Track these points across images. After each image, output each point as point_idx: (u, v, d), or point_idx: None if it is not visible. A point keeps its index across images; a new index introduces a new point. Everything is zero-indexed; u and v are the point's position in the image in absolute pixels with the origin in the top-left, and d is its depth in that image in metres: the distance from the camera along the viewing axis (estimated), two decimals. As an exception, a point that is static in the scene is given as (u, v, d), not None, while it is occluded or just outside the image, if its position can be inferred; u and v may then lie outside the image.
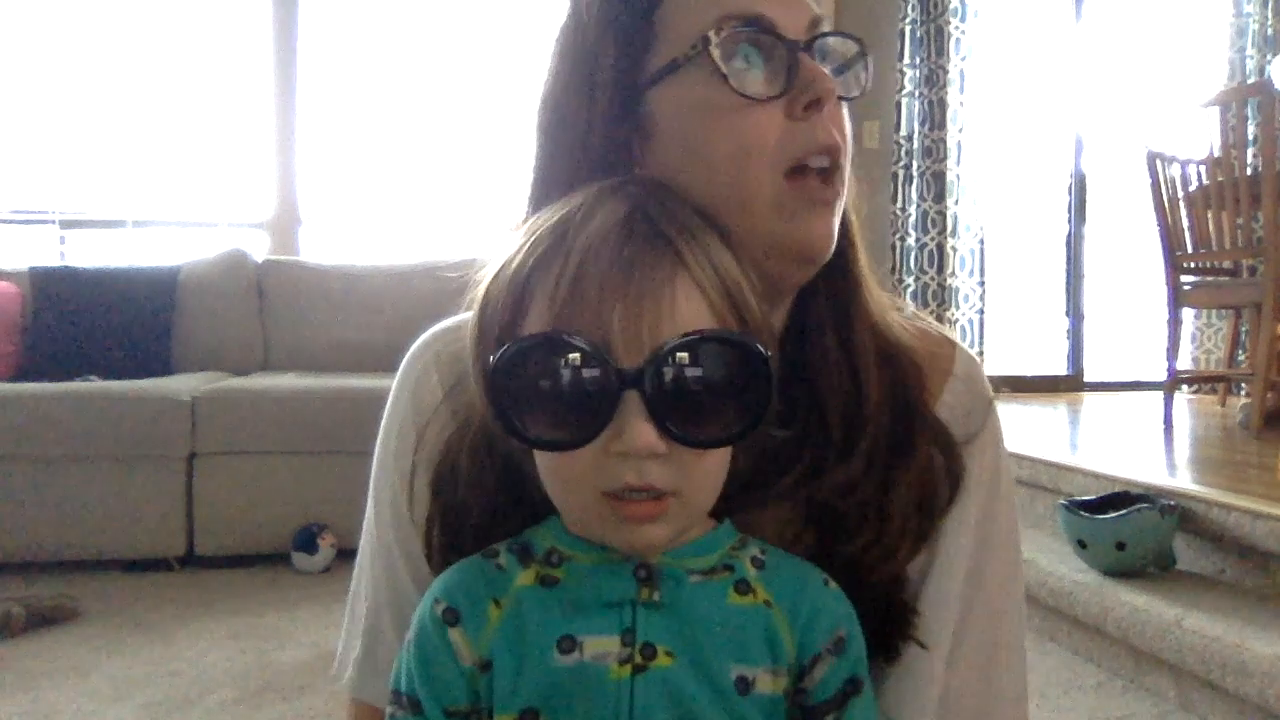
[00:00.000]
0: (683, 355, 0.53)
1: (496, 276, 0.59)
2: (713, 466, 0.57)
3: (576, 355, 0.53)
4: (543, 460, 0.58)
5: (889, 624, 0.67)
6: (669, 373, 0.53)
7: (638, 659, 0.55)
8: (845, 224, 0.69)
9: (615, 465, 0.53)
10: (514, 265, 0.58)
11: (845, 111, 0.67)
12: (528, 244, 0.58)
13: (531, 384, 0.54)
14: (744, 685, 0.56)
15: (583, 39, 0.68)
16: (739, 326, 0.57)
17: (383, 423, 0.75)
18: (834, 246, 0.66)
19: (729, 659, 0.56)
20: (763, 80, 0.63)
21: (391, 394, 0.74)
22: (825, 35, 0.66)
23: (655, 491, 0.54)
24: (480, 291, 0.60)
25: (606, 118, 0.66)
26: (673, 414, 0.53)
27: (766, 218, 0.63)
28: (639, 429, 0.52)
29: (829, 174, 0.64)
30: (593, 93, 0.67)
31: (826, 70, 0.65)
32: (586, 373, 0.53)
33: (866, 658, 0.61)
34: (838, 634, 0.59)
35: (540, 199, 0.68)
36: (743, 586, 0.59)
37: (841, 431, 0.67)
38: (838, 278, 0.69)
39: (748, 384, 0.55)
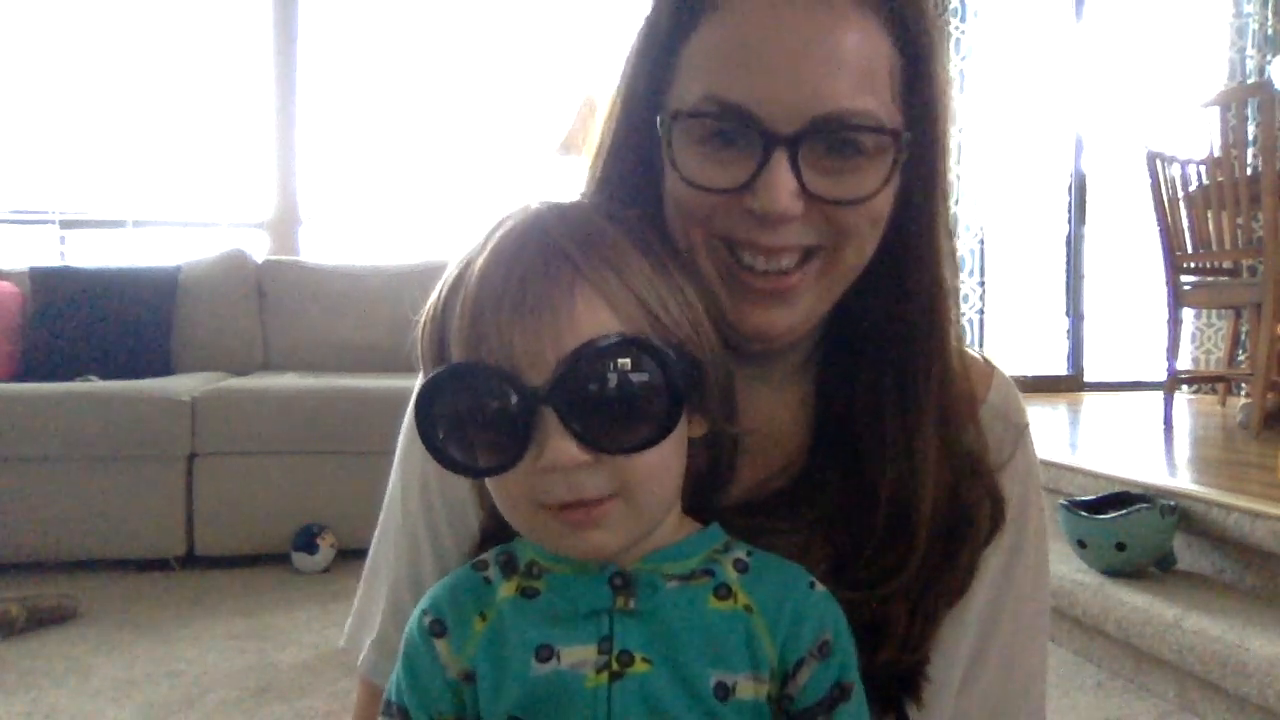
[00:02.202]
0: (589, 364, 0.52)
1: (424, 321, 0.60)
2: (652, 464, 0.55)
3: (485, 382, 0.53)
4: (487, 484, 0.58)
5: (897, 688, 0.65)
6: (577, 384, 0.52)
7: (614, 666, 0.55)
8: (913, 291, 0.65)
9: (546, 481, 0.54)
10: (430, 309, 0.59)
11: (863, 208, 0.61)
12: (439, 287, 0.59)
13: (451, 417, 0.55)
14: (724, 691, 0.56)
15: (631, 53, 0.67)
16: (648, 320, 0.56)
17: (410, 405, 0.75)
18: (787, 334, 0.63)
19: (708, 665, 0.56)
20: (722, 169, 0.60)
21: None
22: (837, 130, 0.58)
23: (591, 500, 0.54)
24: (416, 334, 0.61)
25: (633, 133, 0.66)
26: (589, 424, 0.53)
27: (715, 286, 0.62)
28: (558, 445, 0.52)
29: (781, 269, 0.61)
30: (625, 108, 0.66)
31: (820, 171, 0.59)
32: (499, 397, 0.53)
33: (857, 664, 0.60)
34: (822, 638, 0.58)
35: (591, 187, 0.68)
36: (723, 591, 0.58)
37: (888, 529, 0.64)
38: (903, 345, 0.65)
39: (659, 384, 0.54)
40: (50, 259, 3.92)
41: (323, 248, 4.27)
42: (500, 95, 4.28)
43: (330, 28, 4.28)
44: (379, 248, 4.26)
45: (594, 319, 0.53)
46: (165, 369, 3.42)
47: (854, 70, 0.58)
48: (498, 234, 0.57)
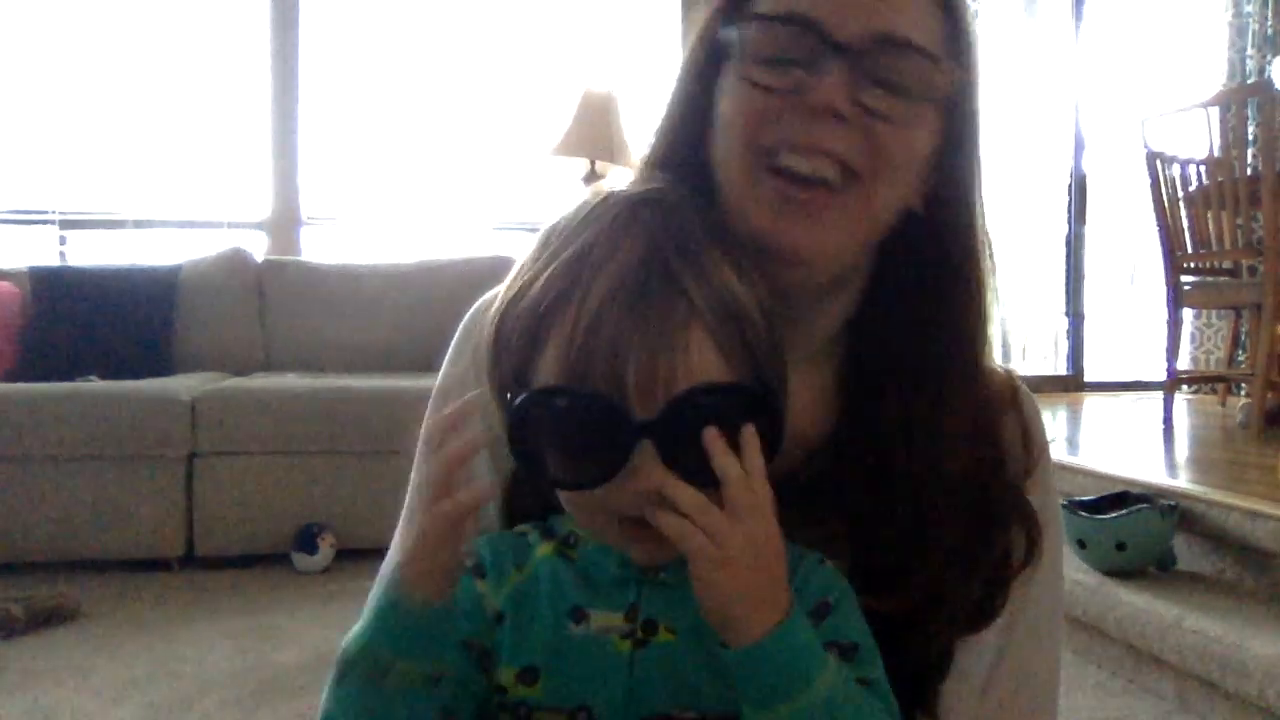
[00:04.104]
0: (695, 407, 0.55)
1: (513, 302, 0.59)
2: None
3: (591, 406, 0.55)
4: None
5: (910, 698, 0.65)
6: (682, 424, 0.55)
7: (639, 634, 0.59)
8: (953, 271, 0.66)
9: (630, 499, 0.56)
10: (530, 297, 0.58)
11: (903, 135, 0.62)
12: (545, 276, 0.57)
13: (549, 430, 0.56)
14: None
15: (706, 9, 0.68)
16: (744, 354, 0.57)
17: (442, 371, 0.75)
18: (826, 254, 0.63)
19: None
20: (783, 74, 0.61)
21: (452, 347, 0.75)
22: (894, 50, 0.60)
23: None
24: (496, 312, 0.60)
25: (691, 91, 0.68)
26: (685, 459, 0.55)
27: (742, 207, 0.62)
28: (652, 474, 0.55)
29: (815, 181, 0.61)
30: (689, 70, 0.68)
31: (872, 86, 0.60)
32: (602, 423, 0.55)
33: (858, 632, 0.61)
34: (823, 600, 0.60)
35: (651, 158, 0.70)
36: None
37: (908, 534, 0.64)
38: (935, 336, 0.65)
39: (757, 426, 0.56)
40: (50, 259, 3.92)
41: (323, 248, 4.27)
42: (500, 95, 4.28)
43: (330, 28, 4.28)
44: (379, 248, 4.26)
45: (704, 361, 0.55)
46: (165, 369, 3.41)
47: (913, 8, 0.62)
48: (618, 249, 0.56)
